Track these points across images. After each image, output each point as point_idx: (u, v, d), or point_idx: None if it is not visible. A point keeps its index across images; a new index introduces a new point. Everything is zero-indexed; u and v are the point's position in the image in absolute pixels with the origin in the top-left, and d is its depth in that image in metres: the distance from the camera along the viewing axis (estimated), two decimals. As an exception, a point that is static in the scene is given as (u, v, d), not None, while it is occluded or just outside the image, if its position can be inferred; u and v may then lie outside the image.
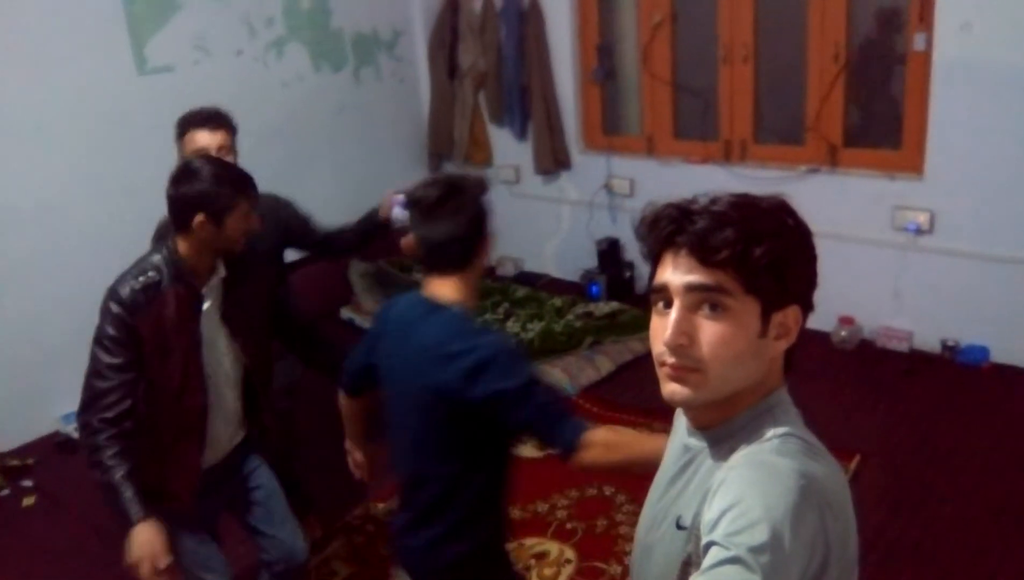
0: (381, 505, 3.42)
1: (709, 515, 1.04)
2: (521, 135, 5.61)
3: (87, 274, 4.23)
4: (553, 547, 3.12)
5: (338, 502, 3.48)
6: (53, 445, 4.09)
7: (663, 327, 1.10)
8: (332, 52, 5.28)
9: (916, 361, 4.25)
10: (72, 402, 4.14)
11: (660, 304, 1.13)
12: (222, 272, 2.24)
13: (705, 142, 4.88)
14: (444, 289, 1.83)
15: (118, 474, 2.06)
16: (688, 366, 1.09)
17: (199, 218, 2.09)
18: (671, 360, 1.10)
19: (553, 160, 5.44)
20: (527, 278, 5.73)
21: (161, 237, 2.47)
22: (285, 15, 4.97)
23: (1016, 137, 3.84)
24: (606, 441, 1.71)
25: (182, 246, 2.15)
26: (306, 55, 5.14)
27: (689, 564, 1.14)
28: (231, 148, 2.68)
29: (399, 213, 2.90)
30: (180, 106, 4.41)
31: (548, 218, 5.74)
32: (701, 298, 1.08)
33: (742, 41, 4.61)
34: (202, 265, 2.18)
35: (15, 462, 3.92)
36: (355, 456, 2.30)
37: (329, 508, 3.45)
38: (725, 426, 1.14)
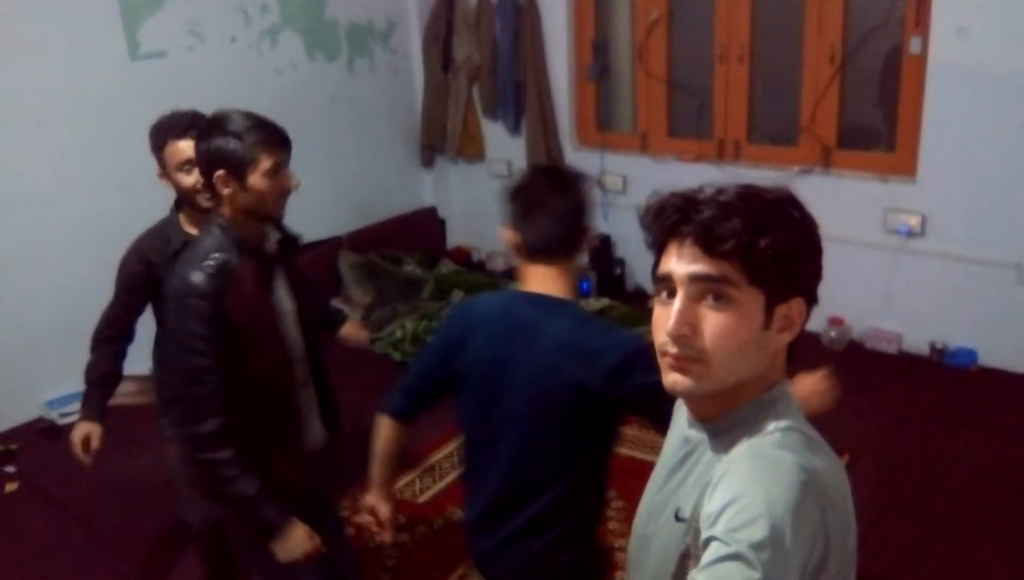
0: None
1: (709, 508, 1.03)
2: (515, 130, 5.59)
3: (76, 261, 4.22)
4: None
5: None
6: (37, 431, 4.04)
7: (666, 317, 1.09)
8: (326, 41, 5.25)
9: (905, 363, 4.27)
10: (56, 388, 4.17)
11: (664, 294, 1.12)
12: (274, 238, 2.11)
13: (699, 141, 4.89)
14: (548, 283, 1.77)
15: (251, 488, 1.93)
16: (691, 356, 1.08)
17: (219, 175, 1.94)
18: (673, 350, 1.09)
19: (546, 155, 5.42)
20: (516, 274, 5.71)
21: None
22: (280, 3, 4.94)
23: (1009, 142, 3.86)
24: None
25: (225, 213, 1.99)
26: (300, 44, 5.11)
27: (687, 556, 1.14)
28: None
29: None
30: (173, 92, 4.40)
31: (540, 214, 5.71)
32: (705, 288, 1.07)
33: (738, 40, 4.61)
34: (250, 232, 2.02)
35: (-1, 448, 3.88)
36: (381, 510, 2.01)
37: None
38: (726, 418, 1.14)
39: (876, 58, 4.29)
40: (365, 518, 2.03)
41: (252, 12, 4.81)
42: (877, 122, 4.47)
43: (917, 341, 4.33)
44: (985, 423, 3.73)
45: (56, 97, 4.07)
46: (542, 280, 1.78)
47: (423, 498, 3.44)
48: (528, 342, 1.74)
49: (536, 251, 1.79)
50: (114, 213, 4.30)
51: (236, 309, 1.92)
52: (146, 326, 2.57)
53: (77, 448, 2.44)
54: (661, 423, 1.65)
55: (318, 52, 5.21)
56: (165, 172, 2.41)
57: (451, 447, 3.72)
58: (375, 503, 2.01)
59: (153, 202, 4.34)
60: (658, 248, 1.15)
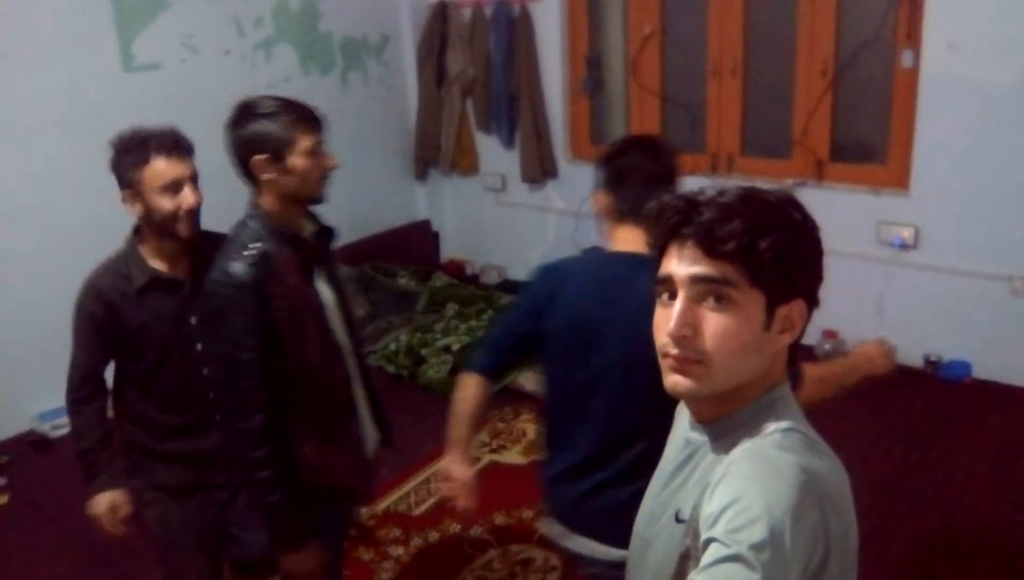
0: (364, 509, 3.38)
1: (709, 509, 1.03)
2: (508, 143, 5.61)
3: (67, 272, 4.13)
4: (539, 554, 3.09)
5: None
6: (28, 443, 4.01)
7: (667, 318, 1.10)
8: (320, 55, 5.26)
9: (898, 375, 4.25)
10: (48, 400, 4.13)
11: (665, 295, 1.12)
12: (312, 225, 2.08)
13: (692, 154, 4.90)
14: (637, 243, 1.76)
15: (280, 496, 1.92)
16: (691, 358, 1.08)
17: (257, 159, 1.90)
18: (674, 351, 1.09)
19: (540, 169, 5.44)
20: (511, 286, 5.72)
21: None
22: (274, 16, 4.95)
23: (1001, 155, 3.88)
24: (821, 376, 1.90)
25: (264, 202, 1.96)
26: (294, 57, 5.11)
27: (687, 558, 1.13)
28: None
29: None
30: (166, 104, 4.43)
31: (534, 227, 5.73)
32: (706, 290, 1.08)
33: (731, 54, 4.64)
34: (289, 219, 1.98)
35: (-12, 460, 3.85)
36: (461, 473, 1.95)
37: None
38: (727, 420, 1.13)
39: (868, 71, 4.31)
40: (443, 485, 1.97)
41: (246, 25, 4.82)
42: (869, 135, 4.49)
43: (911, 354, 4.33)
44: (979, 435, 3.73)
45: (49, 107, 4.05)
46: (631, 241, 1.85)
47: (418, 511, 3.42)
48: (623, 296, 1.81)
49: (626, 214, 1.89)
50: (106, 224, 4.21)
51: (278, 300, 1.89)
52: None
53: (106, 522, 2.18)
54: None
55: (312, 65, 5.22)
56: (137, 194, 2.09)
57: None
58: (455, 466, 1.95)
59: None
60: (659, 250, 1.15)
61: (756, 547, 0.95)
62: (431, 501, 3.47)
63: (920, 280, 4.23)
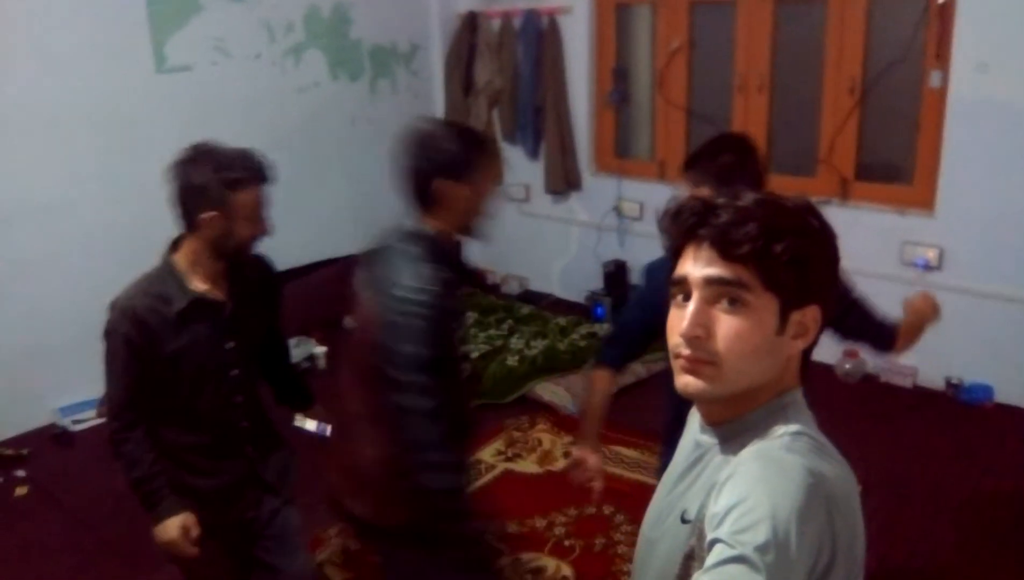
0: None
1: (714, 509, 1.02)
2: (533, 154, 5.63)
3: (93, 270, 4.25)
4: (550, 563, 3.08)
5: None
6: (49, 437, 4.06)
7: (680, 319, 1.10)
8: (350, 62, 5.31)
9: (920, 397, 4.24)
10: (69, 395, 4.18)
11: (679, 297, 1.13)
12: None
13: (716, 169, 4.88)
14: None
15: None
16: (703, 359, 1.08)
17: (440, 182, 1.89)
18: (687, 352, 1.09)
19: (564, 180, 5.45)
20: (531, 297, 5.73)
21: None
22: (305, 22, 5.01)
23: (1028, 177, 3.85)
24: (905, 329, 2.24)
25: (438, 226, 1.93)
26: (324, 63, 5.17)
27: (691, 558, 1.12)
28: None
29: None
30: (196, 106, 4.49)
31: (556, 238, 5.74)
32: (720, 292, 1.08)
33: (758, 71, 4.64)
34: (452, 246, 1.99)
35: (9, 452, 3.89)
36: (593, 461, 2.14)
37: (322, 512, 3.42)
38: (738, 422, 1.14)
39: (896, 91, 4.29)
40: (577, 473, 2.15)
41: (277, 30, 4.88)
42: (895, 155, 4.46)
43: (932, 376, 4.29)
44: (1000, 460, 3.69)
45: (81, 106, 4.13)
46: None
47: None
48: None
49: None
50: (133, 222, 4.35)
51: (451, 322, 1.90)
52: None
53: (181, 545, 2.09)
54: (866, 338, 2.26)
55: (341, 72, 5.27)
56: (224, 217, 1.98)
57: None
58: (588, 454, 2.16)
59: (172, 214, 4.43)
60: (675, 251, 1.16)
61: (761, 548, 0.94)
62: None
63: (944, 301, 4.09)
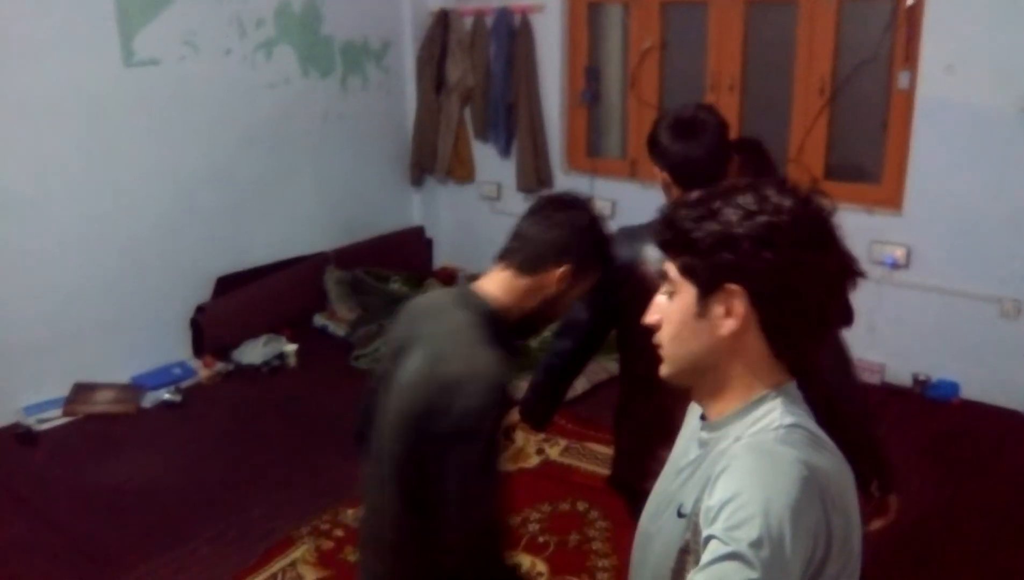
0: (351, 511, 3.36)
1: (708, 503, 1.03)
2: (505, 152, 5.62)
3: (60, 268, 4.19)
4: (525, 560, 3.08)
5: (305, 505, 3.43)
6: (13, 437, 3.97)
7: None
8: (321, 58, 5.26)
9: (887, 394, 4.29)
10: (34, 393, 4.11)
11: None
12: None
13: (688, 168, 4.91)
14: None
15: None
16: (657, 344, 1.20)
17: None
18: (655, 340, 1.21)
19: (536, 179, 5.45)
20: (503, 295, 5.72)
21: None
22: (276, 17, 4.95)
23: (994, 177, 3.92)
24: None
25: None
26: (294, 59, 5.11)
27: (686, 552, 1.13)
28: None
29: None
30: (166, 101, 4.44)
31: (527, 236, 5.73)
32: (666, 285, 1.18)
33: (729, 70, 4.67)
34: None
35: (-28, 452, 3.81)
36: None
37: (295, 511, 3.40)
38: (725, 417, 1.15)
39: (865, 91, 4.35)
40: None
41: (248, 25, 4.82)
42: (864, 154, 4.52)
43: (900, 373, 4.35)
44: (966, 455, 3.75)
45: (48, 99, 4.03)
46: None
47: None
48: None
49: None
50: (102, 218, 4.29)
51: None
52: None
53: None
54: None
55: (312, 68, 5.23)
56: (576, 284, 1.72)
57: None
58: None
59: (144, 209, 4.37)
60: None
61: (755, 544, 0.94)
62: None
63: (911, 299, 4.26)
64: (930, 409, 4.14)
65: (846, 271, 1.10)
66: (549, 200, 1.74)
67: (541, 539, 3.19)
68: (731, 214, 1.08)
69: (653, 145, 2.03)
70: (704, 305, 1.11)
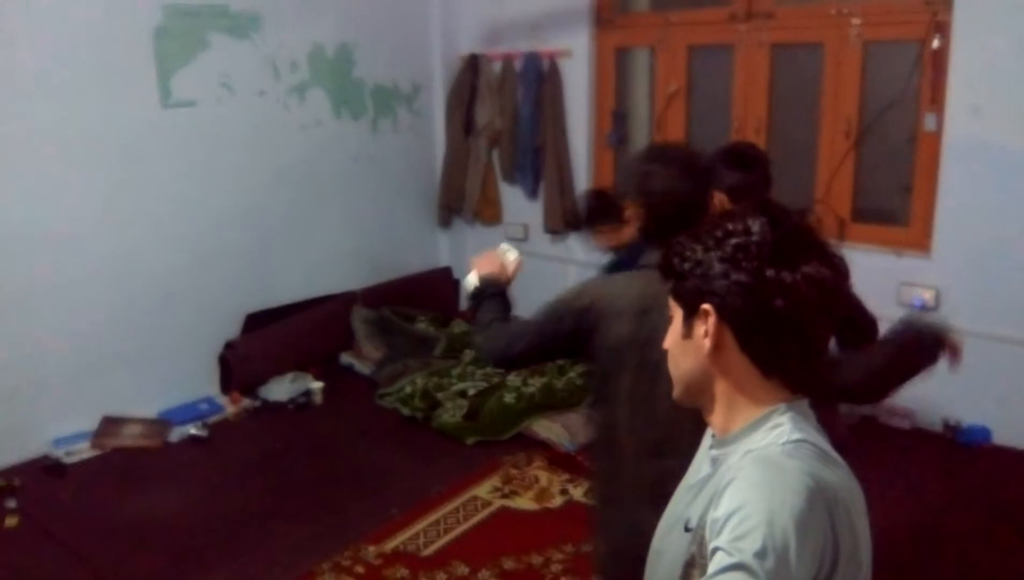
0: (372, 547, 3.35)
1: (715, 515, 1.03)
2: (532, 194, 5.67)
3: (92, 303, 4.27)
4: (546, 598, 3.05)
5: (327, 541, 3.42)
6: (41, 468, 4.02)
7: None
8: (352, 101, 5.37)
9: (917, 439, 4.22)
10: (64, 426, 4.16)
11: None
12: None
13: (714, 210, 4.92)
14: None
15: None
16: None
17: None
18: None
19: (562, 221, 5.48)
20: (529, 336, 5.71)
21: None
22: (310, 60, 5.07)
23: (1022, 218, 3.88)
24: None
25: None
26: (327, 101, 5.23)
27: (692, 565, 1.13)
28: None
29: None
30: (201, 141, 4.55)
31: (554, 277, 5.71)
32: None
33: (755, 113, 4.70)
34: None
35: (0, 482, 3.85)
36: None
37: (317, 547, 3.39)
38: (733, 434, 1.16)
39: (891, 133, 4.35)
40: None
41: (282, 68, 4.94)
42: (891, 196, 4.51)
43: (930, 418, 4.28)
44: (998, 501, 3.66)
45: (86, 139, 4.15)
46: None
47: (427, 552, 3.39)
48: None
49: None
50: (136, 256, 4.37)
51: None
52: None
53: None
54: None
55: (344, 110, 5.33)
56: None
57: (457, 502, 3.69)
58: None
59: (176, 246, 4.45)
60: None
61: (759, 554, 0.95)
62: (441, 542, 3.43)
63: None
64: (961, 455, 4.07)
65: (822, 289, 1.09)
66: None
67: None
68: (708, 239, 1.14)
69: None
70: (688, 326, 1.17)
